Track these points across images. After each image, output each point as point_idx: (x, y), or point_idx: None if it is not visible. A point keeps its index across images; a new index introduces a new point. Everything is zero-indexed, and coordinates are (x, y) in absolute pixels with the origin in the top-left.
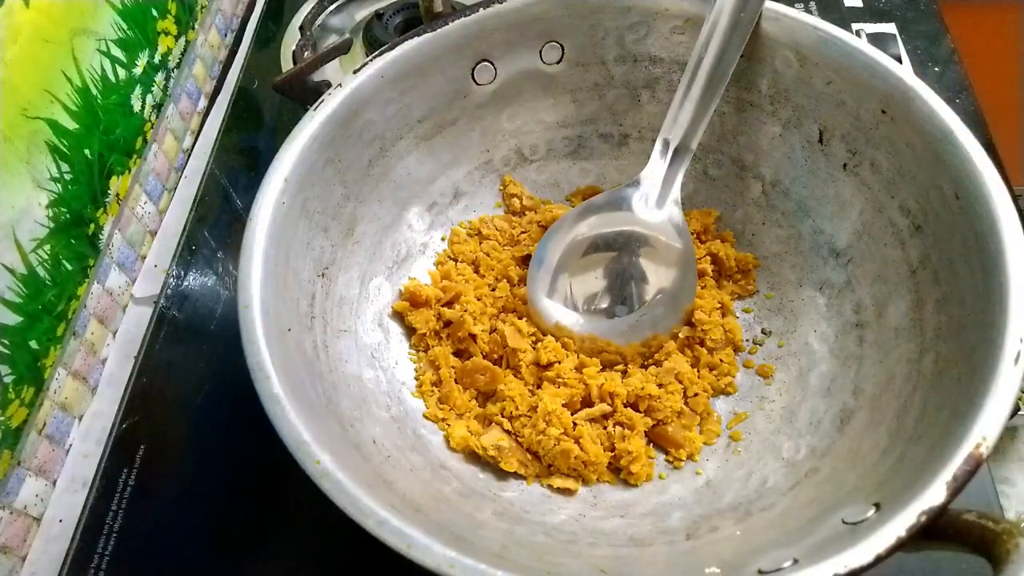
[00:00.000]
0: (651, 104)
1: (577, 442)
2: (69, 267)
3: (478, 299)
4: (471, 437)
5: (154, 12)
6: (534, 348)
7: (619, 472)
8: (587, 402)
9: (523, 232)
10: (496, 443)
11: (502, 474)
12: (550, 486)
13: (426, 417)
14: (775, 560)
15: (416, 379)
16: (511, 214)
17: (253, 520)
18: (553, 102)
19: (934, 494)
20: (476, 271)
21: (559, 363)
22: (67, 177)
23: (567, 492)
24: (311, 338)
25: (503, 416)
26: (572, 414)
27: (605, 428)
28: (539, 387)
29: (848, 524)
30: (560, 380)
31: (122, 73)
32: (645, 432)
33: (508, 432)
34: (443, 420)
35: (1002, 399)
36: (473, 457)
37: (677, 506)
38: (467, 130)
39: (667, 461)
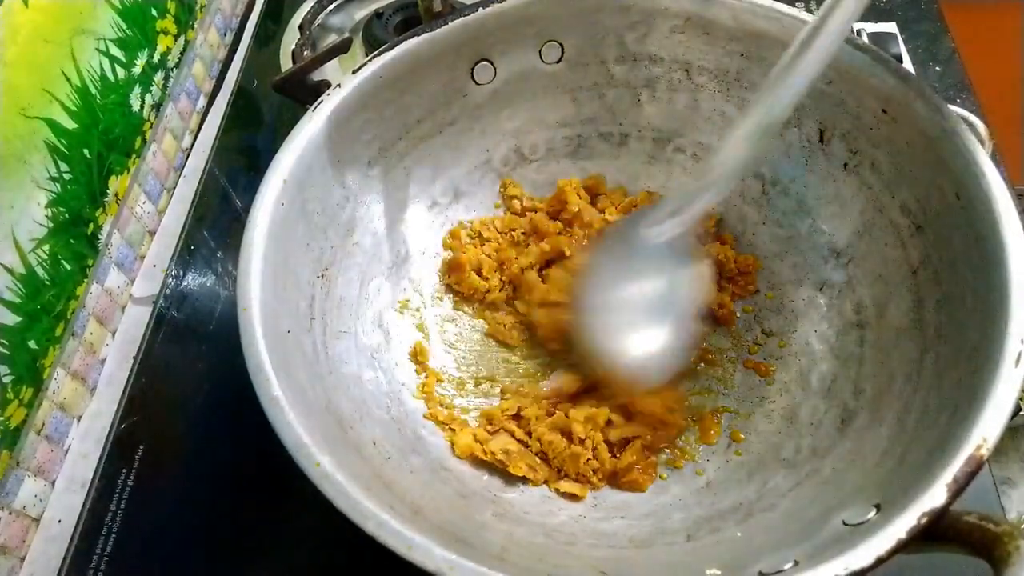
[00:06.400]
0: (651, 104)
1: (593, 449)
2: (68, 267)
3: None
4: (476, 445)
5: (153, 12)
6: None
7: (619, 476)
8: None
9: (524, 234)
10: (504, 447)
11: (506, 476)
12: (556, 490)
13: (426, 418)
14: (776, 562)
15: (417, 374)
16: (511, 215)
17: (252, 521)
18: (553, 102)
19: (935, 496)
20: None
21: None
22: (66, 177)
23: (573, 498)
24: (310, 339)
25: (510, 418)
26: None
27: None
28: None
29: (849, 526)
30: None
31: (121, 73)
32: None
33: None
34: (447, 426)
35: (1003, 400)
36: (476, 459)
37: (677, 507)
38: (467, 130)
39: (667, 461)
